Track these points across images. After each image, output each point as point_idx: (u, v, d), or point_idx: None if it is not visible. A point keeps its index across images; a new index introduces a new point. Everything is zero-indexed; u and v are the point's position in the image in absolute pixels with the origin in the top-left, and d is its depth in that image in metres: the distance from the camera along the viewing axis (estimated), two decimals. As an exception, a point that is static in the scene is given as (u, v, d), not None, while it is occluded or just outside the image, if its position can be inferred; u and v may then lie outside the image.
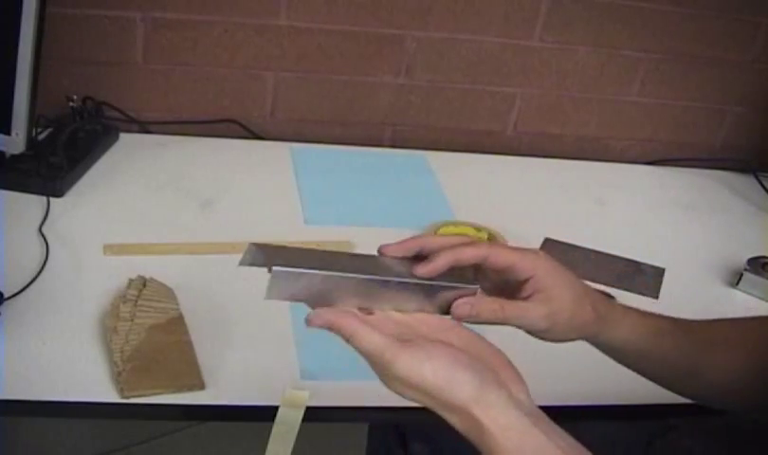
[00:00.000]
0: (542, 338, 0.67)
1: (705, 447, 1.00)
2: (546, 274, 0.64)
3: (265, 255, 0.58)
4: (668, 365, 0.72)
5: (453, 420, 0.55)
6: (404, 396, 0.56)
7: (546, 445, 0.53)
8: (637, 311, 0.72)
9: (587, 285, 0.68)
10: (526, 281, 0.64)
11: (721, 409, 0.77)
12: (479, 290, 0.64)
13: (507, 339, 0.95)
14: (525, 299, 0.64)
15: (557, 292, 0.64)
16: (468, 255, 0.63)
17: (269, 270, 0.57)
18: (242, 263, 0.58)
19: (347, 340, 0.57)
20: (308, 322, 0.58)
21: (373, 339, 0.56)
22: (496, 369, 0.57)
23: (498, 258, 0.64)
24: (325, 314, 0.57)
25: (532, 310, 0.64)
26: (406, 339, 0.56)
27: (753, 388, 0.72)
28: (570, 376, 0.92)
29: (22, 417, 0.80)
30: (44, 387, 0.79)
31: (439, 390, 0.54)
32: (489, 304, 0.63)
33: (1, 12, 1.02)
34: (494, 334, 0.95)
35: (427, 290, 0.62)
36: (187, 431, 1.40)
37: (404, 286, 0.61)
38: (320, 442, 0.93)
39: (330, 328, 0.57)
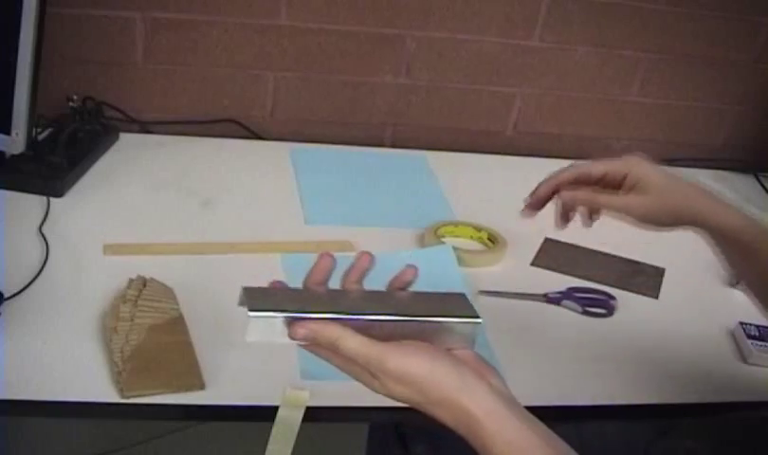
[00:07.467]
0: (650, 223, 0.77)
1: (705, 447, 1.00)
2: (637, 165, 0.73)
3: (262, 298, 0.58)
4: None
5: (442, 414, 0.57)
6: (393, 395, 0.58)
7: (525, 429, 0.56)
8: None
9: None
10: (623, 179, 0.73)
11: None
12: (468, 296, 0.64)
13: (507, 342, 0.96)
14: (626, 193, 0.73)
15: (653, 177, 0.73)
16: (567, 177, 0.73)
17: (248, 310, 0.56)
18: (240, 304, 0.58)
19: (333, 345, 0.57)
20: (292, 336, 0.58)
21: (358, 340, 0.57)
22: (471, 364, 0.60)
23: (594, 168, 0.74)
24: (307, 324, 0.58)
25: (631, 200, 0.73)
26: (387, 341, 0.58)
27: None
28: (570, 376, 0.92)
29: (22, 417, 0.80)
30: (44, 387, 0.78)
31: (427, 382, 0.57)
32: (583, 195, 0.74)
33: (1, 12, 1.02)
34: (496, 335, 0.96)
35: (425, 327, 0.59)
36: (187, 431, 1.40)
37: (401, 325, 0.59)
38: (320, 442, 0.93)
39: (314, 337, 0.58)
